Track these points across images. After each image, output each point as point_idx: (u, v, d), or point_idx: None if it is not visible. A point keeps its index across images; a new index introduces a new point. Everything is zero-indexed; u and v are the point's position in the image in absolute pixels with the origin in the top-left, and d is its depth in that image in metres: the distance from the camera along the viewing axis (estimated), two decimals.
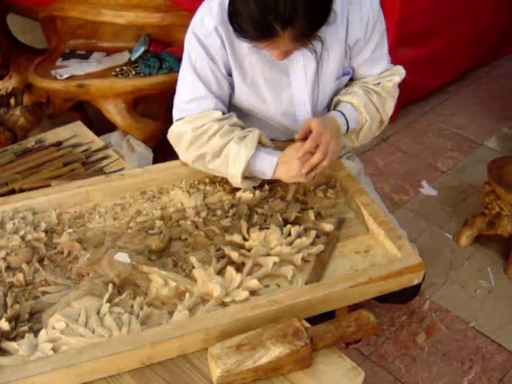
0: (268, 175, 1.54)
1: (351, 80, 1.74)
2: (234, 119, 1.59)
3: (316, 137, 1.46)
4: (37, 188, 1.64)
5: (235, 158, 1.51)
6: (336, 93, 1.71)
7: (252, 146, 1.51)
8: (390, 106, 1.70)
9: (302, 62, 1.58)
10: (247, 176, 1.56)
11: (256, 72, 1.59)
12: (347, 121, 1.60)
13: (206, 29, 1.52)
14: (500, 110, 3.74)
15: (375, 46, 1.64)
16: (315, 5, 1.31)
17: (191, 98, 1.58)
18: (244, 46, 1.53)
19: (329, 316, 1.32)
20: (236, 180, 1.55)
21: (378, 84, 1.68)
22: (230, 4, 1.36)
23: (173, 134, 1.62)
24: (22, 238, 1.46)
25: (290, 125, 1.71)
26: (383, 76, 1.69)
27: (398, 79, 1.69)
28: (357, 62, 1.67)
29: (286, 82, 1.61)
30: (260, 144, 1.55)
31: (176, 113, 1.62)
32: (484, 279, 2.53)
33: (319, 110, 1.70)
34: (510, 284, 2.50)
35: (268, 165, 1.53)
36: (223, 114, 1.58)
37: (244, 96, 1.64)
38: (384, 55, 1.69)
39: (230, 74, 1.60)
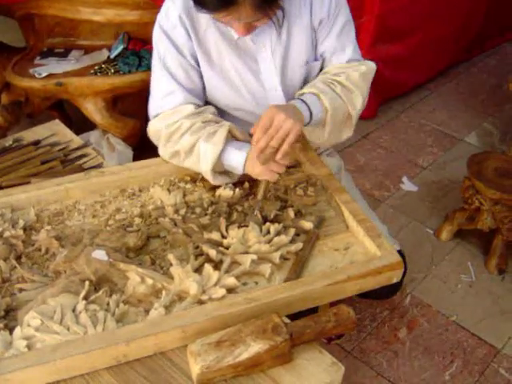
0: (239, 171, 1.52)
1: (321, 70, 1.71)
2: (209, 115, 1.57)
3: (264, 123, 1.39)
4: (16, 185, 1.63)
5: (204, 156, 1.50)
6: (308, 78, 1.69)
7: (220, 142, 1.48)
8: (358, 100, 1.60)
9: (269, 48, 1.58)
10: (223, 172, 1.55)
11: (224, 60, 1.59)
12: (308, 106, 1.50)
13: (171, 21, 1.53)
14: (480, 105, 3.77)
15: (340, 30, 1.61)
16: None
17: (163, 94, 1.58)
18: (210, 35, 1.54)
19: (310, 312, 1.32)
20: (208, 177, 1.54)
21: (341, 73, 1.60)
22: None
23: (151, 132, 1.63)
24: (0, 235, 1.44)
25: (263, 112, 1.70)
26: (350, 66, 1.62)
27: (364, 69, 1.61)
28: (324, 47, 1.64)
29: (256, 69, 1.61)
30: (234, 138, 1.54)
31: (151, 110, 1.63)
32: (465, 274, 2.54)
33: (291, 97, 1.66)
34: (491, 278, 2.52)
35: (237, 160, 1.51)
36: (197, 107, 1.57)
37: (215, 86, 1.63)
38: (350, 43, 1.65)
39: (199, 65, 1.59)
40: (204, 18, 1.52)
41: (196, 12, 1.49)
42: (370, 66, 1.65)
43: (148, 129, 1.63)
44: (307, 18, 1.57)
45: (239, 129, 1.55)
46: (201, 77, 1.61)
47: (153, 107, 1.62)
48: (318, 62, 1.67)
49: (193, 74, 1.58)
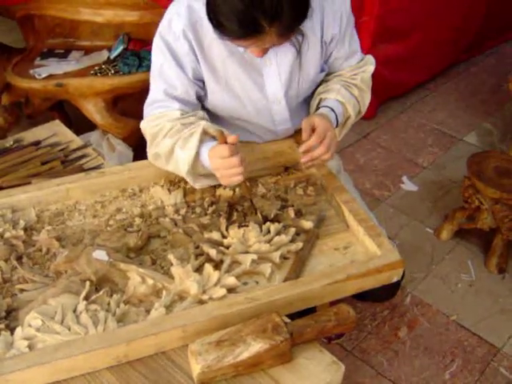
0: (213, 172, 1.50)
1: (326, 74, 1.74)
2: (191, 117, 1.55)
3: (321, 132, 1.50)
4: (16, 186, 1.63)
5: (181, 160, 1.49)
6: (312, 88, 1.71)
7: (193, 146, 1.46)
8: (367, 98, 1.74)
9: (274, 62, 1.57)
10: (208, 174, 1.53)
11: (229, 73, 1.58)
12: (337, 116, 1.63)
13: (174, 33, 1.51)
14: (479, 105, 3.77)
15: (350, 39, 1.66)
16: None
17: (157, 99, 1.58)
18: (215, 48, 1.53)
19: (310, 311, 1.32)
20: (189, 181, 1.53)
21: (355, 76, 1.71)
22: (209, 2, 1.33)
23: (142, 132, 1.63)
24: (1, 235, 1.45)
25: (265, 123, 1.71)
26: (359, 67, 1.72)
27: (371, 68, 1.73)
28: (336, 57, 1.68)
29: (260, 82, 1.61)
30: (211, 137, 1.51)
31: (144, 111, 1.62)
32: (465, 273, 2.55)
33: (294, 107, 1.70)
34: (491, 277, 2.52)
35: (207, 162, 1.48)
36: (184, 113, 1.55)
37: (219, 99, 1.63)
38: (358, 47, 1.72)
39: (199, 79, 1.59)
40: (209, 32, 1.48)
41: (201, 26, 1.50)
42: (373, 62, 1.75)
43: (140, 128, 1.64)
44: (319, 34, 1.58)
45: (214, 127, 1.51)
46: (197, 90, 1.60)
47: (145, 110, 1.62)
48: (323, 72, 1.71)
49: (189, 87, 1.57)
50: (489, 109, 3.73)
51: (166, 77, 1.56)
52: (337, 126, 1.65)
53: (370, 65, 1.73)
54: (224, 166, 1.41)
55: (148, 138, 1.59)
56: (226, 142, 1.41)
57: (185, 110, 1.56)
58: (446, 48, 3.86)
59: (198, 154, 1.47)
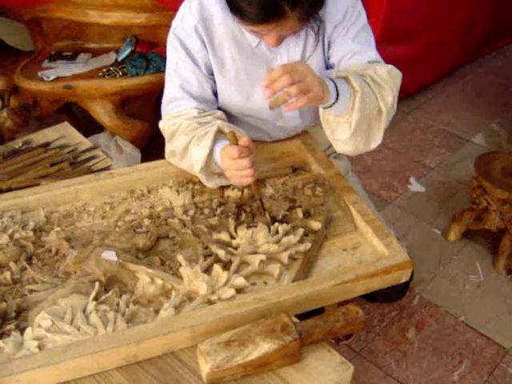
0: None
1: None
2: (208, 116, 1.55)
3: (287, 67, 1.28)
4: (25, 187, 1.64)
5: (195, 158, 1.50)
6: None
7: (207, 145, 1.46)
8: (388, 96, 1.47)
9: (285, 56, 1.57)
10: (221, 174, 1.53)
11: (239, 68, 1.58)
12: (336, 86, 1.39)
13: (186, 29, 1.53)
14: (486, 106, 3.76)
15: (357, 34, 1.55)
16: None
17: (174, 97, 1.59)
18: (225, 45, 1.54)
19: (318, 311, 1.32)
20: (202, 180, 1.54)
21: (369, 68, 1.49)
22: None
23: (161, 131, 1.64)
24: (10, 236, 1.45)
25: (275, 120, 1.70)
26: (372, 64, 1.52)
27: (390, 67, 1.50)
28: (341, 53, 1.57)
29: None
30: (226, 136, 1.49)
31: (162, 111, 1.64)
32: (473, 274, 2.55)
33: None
34: (499, 278, 2.52)
35: (219, 161, 1.49)
36: (201, 112, 1.57)
37: (228, 94, 1.63)
38: (370, 47, 1.58)
39: (212, 74, 1.60)
40: (220, 29, 1.52)
41: (211, 23, 1.52)
42: (397, 70, 1.53)
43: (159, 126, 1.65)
44: (322, 25, 1.54)
45: (230, 126, 1.51)
46: (213, 85, 1.61)
47: (163, 109, 1.64)
48: (330, 70, 1.60)
49: (205, 83, 1.58)
50: (495, 109, 3.72)
51: (181, 73, 1.57)
52: (337, 98, 1.39)
53: (390, 66, 1.52)
54: (234, 167, 1.42)
55: (166, 136, 1.61)
56: (237, 143, 1.41)
57: (201, 108, 1.58)
58: (453, 49, 3.86)
59: (211, 153, 1.48)
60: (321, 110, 1.50)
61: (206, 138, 1.48)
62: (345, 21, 1.54)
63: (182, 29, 1.54)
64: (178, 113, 1.58)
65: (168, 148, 1.61)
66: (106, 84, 2.68)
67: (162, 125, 1.62)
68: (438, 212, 2.88)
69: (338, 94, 1.38)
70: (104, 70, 2.77)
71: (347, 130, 1.47)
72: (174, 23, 1.56)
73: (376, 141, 1.54)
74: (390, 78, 1.48)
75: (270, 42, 1.45)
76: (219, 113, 1.60)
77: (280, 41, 1.47)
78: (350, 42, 1.55)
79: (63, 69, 2.80)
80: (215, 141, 1.48)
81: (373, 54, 1.56)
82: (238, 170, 1.42)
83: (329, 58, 1.62)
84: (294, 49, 1.57)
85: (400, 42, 3.37)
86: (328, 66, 1.63)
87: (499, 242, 2.55)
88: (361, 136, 1.50)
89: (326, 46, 1.59)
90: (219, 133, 1.50)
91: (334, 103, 1.39)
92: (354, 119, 1.43)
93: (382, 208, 2.86)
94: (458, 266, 2.58)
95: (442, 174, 3.15)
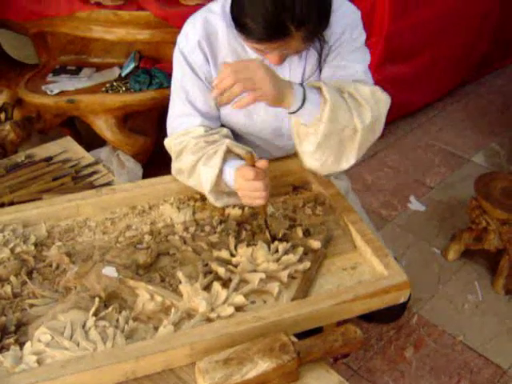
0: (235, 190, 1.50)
1: None
2: (215, 135, 1.57)
3: (236, 65, 1.30)
4: (27, 201, 1.65)
5: (204, 178, 1.50)
6: None
7: (216, 164, 1.46)
8: (366, 115, 1.42)
9: (287, 77, 1.58)
10: (230, 193, 1.54)
11: None
12: (304, 91, 1.37)
13: (190, 45, 1.54)
14: (487, 126, 3.77)
15: (349, 56, 1.54)
16: (325, 5, 1.34)
17: (179, 115, 1.61)
18: (228, 60, 1.54)
19: (317, 330, 1.32)
20: (210, 199, 1.54)
21: (349, 86, 1.46)
22: (234, 3, 1.35)
23: (167, 148, 1.65)
24: (12, 250, 1.46)
25: (274, 139, 1.72)
26: (355, 80, 1.49)
27: (375, 88, 1.48)
28: (330, 69, 1.55)
29: None
30: (236, 155, 1.51)
31: (167, 128, 1.66)
32: (471, 294, 2.54)
33: None
34: (497, 298, 2.52)
35: (231, 179, 1.48)
36: (209, 130, 1.58)
37: (228, 111, 1.63)
38: (359, 65, 1.54)
39: None
40: (224, 45, 1.54)
41: (216, 39, 1.53)
42: (383, 94, 1.49)
43: (164, 144, 1.66)
44: (317, 45, 1.53)
45: (239, 146, 1.51)
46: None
47: (169, 126, 1.65)
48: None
49: (208, 98, 1.59)
50: (496, 129, 3.73)
51: (186, 88, 1.59)
52: (303, 103, 1.37)
53: (373, 87, 1.48)
54: (248, 188, 1.42)
55: (173, 155, 1.62)
56: (253, 165, 1.41)
57: (207, 125, 1.59)
58: (455, 68, 3.88)
59: (221, 172, 1.48)
60: (291, 120, 1.47)
61: (216, 157, 1.48)
62: (341, 39, 1.53)
63: (186, 44, 1.55)
64: (184, 131, 1.59)
65: (175, 166, 1.62)
66: (108, 99, 2.70)
67: (168, 143, 1.63)
68: (438, 231, 2.88)
69: (304, 100, 1.36)
70: (107, 84, 2.79)
71: (313, 142, 1.43)
72: (179, 39, 1.58)
73: (349, 161, 1.49)
74: (372, 98, 1.45)
75: (273, 61, 1.46)
76: (225, 130, 1.61)
77: (282, 60, 1.47)
78: (340, 58, 1.54)
79: (67, 83, 2.82)
80: (225, 160, 1.48)
81: (361, 71, 1.54)
82: (251, 191, 1.43)
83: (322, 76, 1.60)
84: (295, 69, 1.58)
85: (402, 62, 3.38)
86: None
87: (498, 262, 2.55)
88: (329, 152, 1.45)
89: (322, 65, 1.59)
90: (228, 152, 1.50)
91: (299, 108, 1.38)
92: (321, 131, 1.39)
93: (382, 226, 2.87)
94: (457, 285, 2.58)
95: (441, 193, 3.16)
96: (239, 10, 1.34)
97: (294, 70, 1.58)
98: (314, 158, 1.47)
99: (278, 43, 1.35)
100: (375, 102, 1.45)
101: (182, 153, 1.57)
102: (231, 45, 1.54)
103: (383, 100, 1.48)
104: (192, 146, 1.54)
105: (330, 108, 1.36)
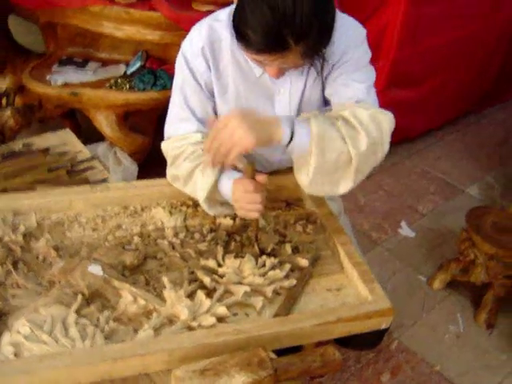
0: (231, 201, 1.49)
1: None
2: None
3: (217, 127, 1.33)
4: (21, 190, 1.64)
5: (199, 186, 1.51)
6: None
7: (213, 173, 1.47)
8: (361, 141, 1.38)
9: (287, 91, 1.58)
10: (223, 203, 1.54)
11: (240, 96, 1.60)
12: (293, 125, 1.35)
13: (194, 50, 1.54)
14: (485, 158, 3.79)
15: (352, 75, 1.51)
16: (325, 20, 1.32)
17: (177, 119, 1.61)
18: (230, 71, 1.55)
19: (296, 348, 1.32)
20: (204, 207, 1.53)
21: (346, 109, 1.43)
22: (237, 12, 1.34)
23: (163, 152, 1.65)
24: (0, 238, 1.46)
25: (270, 154, 1.72)
26: (358, 105, 1.46)
27: (375, 111, 1.44)
28: (333, 92, 1.55)
29: (270, 111, 1.61)
30: (232, 166, 1.50)
31: (165, 132, 1.66)
32: (453, 324, 2.55)
33: None
34: (479, 332, 2.52)
35: (227, 191, 1.49)
36: (205, 136, 1.57)
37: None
38: (363, 89, 1.51)
39: (213, 95, 1.61)
40: (227, 54, 1.54)
41: (219, 47, 1.53)
42: (385, 115, 1.47)
43: (161, 148, 1.66)
44: (317, 62, 1.51)
45: (238, 157, 1.48)
46: (214, 107, 1.63)
47: (166, 130, 1.65)
48: (328, 106, 1.62)
49: (207, 105, 1.60)
50: (493, 163, 3.75)
51: (185, 94, 1.59)
52: (291, 139, 1.35)
53: (371, 109, 1.44)
54: (245, 200, 1.43)
55: (169, 159, 1.62)
56: (253, 177, 1.42)
57: (204, 131, 1.59)
58: (458, 98, 3.90)
59: (217, 182, 1.49)
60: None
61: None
62: (343, 59, 1.51)
63: (190, 49, 1.56)
64: (181, 136, 1.59)
65: (170, 171, 1.62)
66: (112, 95, 2.71)
67: (164, 146, 1.64)
68: (426, 259, 2.88)
69: (292, 135, 1.34)
70: (112, 80, 2.79)
71: (307, 173, 1.40)
72: (183, 44, 1.58)
73: (346, 186, 1.44)
74: (370, 121, 1.41)
75: (271, 73, 1.46)
76: None
77: (281, 73, 1.47)
78: (343, 77, 1.52)
79: (72, 75, 2.82)
80: (221, 171, 1.49)
81: (363, 91, 1.51)
82: (248, 203, 1.43)
83: (325, 94, 1.61)
84: (296, 83, 1.58)
85: (406, 87, 3.40)
86: (327, 103, 1.63)
87: (482, 296, 2.56)
88: (323, 180, 1.42)
89: (324, 83, 1.59)
90: None
91: (288, 143, 1.36)
92: (312, 163, 1.37)
93: (371, 249, 2.87)
94: (440, 315, 2.59)
95: (433, 222, 3.17)
96: (240, 20, 1.33)
97: (294, 83, 1.58)
98: (310, 187, 1.44)
99: (276, 56, 1.34)
100: (375, 126, 1.42)
101: (178, 158, 1.57)
102: (234, 54, 1.54)
103: (386, 121, 1.46)
104: (189, 153, 1.55)
105: (318, 140, 1.34)
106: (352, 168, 1.40)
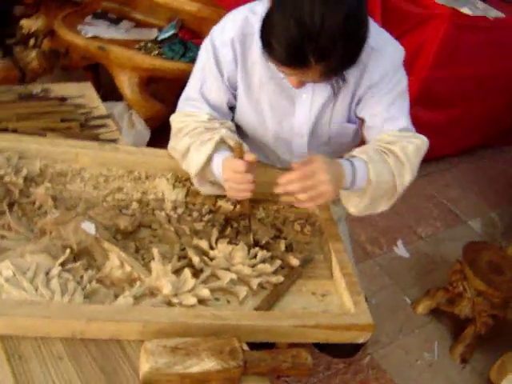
0: (221, 181, 1.50)
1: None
2: (216, 123, 1.56)
3: (305, 171, 1.35)
4: (30, 134, 1.64)
5: (192, 161, 1.52)
6: (338, 137, 1.66)
7: (206, 151, 1.47)
8: (406, 175, 1.48)
9: (310, 96, 1.56)
10: (214, 182, 1.54)
11: (263, 93, 1.58)
12: (354, 171, 1.43)
13: (223, 39, 1.52)
14: (493, 194, 3.77)
15: (393, 99, 1.54)
16: (352, 44, 1.29)
17: (190, 97, 1.61)
18: (257, 67, 1.53)
19: (270, 344, 1.32)
20: (194, 183, 1.56)
21: (397, 143, 1.50)
22: (266, 18, 1.31)
23: (171, 123, 1.65)
24: (1, 177, 1.45)
25: (282, 154, 1.71)
26: (403, 136, 1.52)
27: (418, 142, 1.52)
28: (372, 114, 1.56)
29: (291, 111, 1.60)
30: (228, 146, 1.52)
31: (178, 104, 1.66)
32: (428, 352, 2.55)
33: (314, 147, 1.66)
34: (452, 364, 2.52)
35: (217, 170, 1.49)
36: (212, 118, 1.57)
37: (245, 113, 1.63)
38: (403, 114, 1.56)
39: (234, 89, 1.60)
40: (256, 48, 1.49)
41: (251, 41, 1.51)
42: (424, 141, 1.55)
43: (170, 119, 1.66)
44: (357, 77, 1.52)
45: (235, 138, 1.52)
46: (230, 99, 1.61)
47: (179, 104, 1.65)
48: (352, 124, 1.63)
49: (223, 94, 1.59)
50: (500, 200, 3.74)
51: (204, 77, 1.58)
52: (353, 184, 1.44)
53: (419, 140, 1.53)
54: (235, 180, 1.43)
55: (172, 130, 1.62)
56: (241, 157, 1.42)
57: (213, 115, 1.58)
58: (479, 129, 3.89)
59: (209, 160, 1.49)
60: None
61: (207, 144, 1.49)
62: (382, 84, 1.52)
63: (220, 37, 1.53)
64: (190, 112, 1.59)
65: (171, 143, 1.62)
66: (139, 58, 2.69)
67: (172, 118, 1.64)
68: (414, 282, 2.88)
69: (354, 181, 1.43)
70: (142, 43, 2.78)
71: (356, 206, 1.54)
72: (215, 29, 1.56)
73: (384, 208, 1.58)
74: (415, 154, 1.50)
75: (292, 83, 1.46)
76: (230, 123, 1.60)
77: (302, 84, 1.46)
78: (384, 106, 1.54)
79: (103, 29, 2.81)
80: (215, 149, 1.49)
81: (405, 122, 1.56)
82: (238, 184, 1.44)
83: (356, 113, 1.61)
84: (319, 93, 1.56)
85: (431, 108, 3.38)
86: (351, 119, 1.63)
87: (463, 330, 2.55)
88: (369, 210, 1.56)
89: (355, 101, 1.58)
90: (221, 142, 1.51)
91: (347, 188, 1.45)
92: (364, 202, 1.51)
93: (363, 261, 2.87)
94: (417, 339, 2.58)
95: (429, 247, 3.16)
96: (267, 28, 1.31)
97: (317, 93, 1.56)
98: (355, 212, 1.57)
99: (295, 70, 1.33)
100: (418, 158, 1.53)
101: (180, 131, 1.57)
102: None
103: (424, 150, 1.55)
104: (191, 128, 1.54)
105: (374, 186, 1.44)
106: (394, 198, 1.54)
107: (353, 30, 1.27)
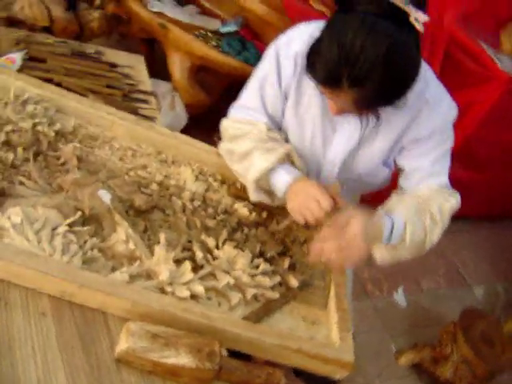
0: (279, 194, 1.52)
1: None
2: (277, 135, 1.57)
3: (340, 224, 1.38)
4: (73, 91, 1.65)
5: (253, 166, 1.51)
6: (368, 177, 1.67)
7: (272, 160, 1.49)
8: (437, 234, 1.53)
9: (347, 131, 1.56)
10: (267, 191, 1.55)
11: (309, 113, 1.58)
12: (392, 229, 1.45)
13: (288, 52, 1.52)
14: (503, 265, 3.72)
15: (436, 158, 1.56)
16: (390, 78, 1.28)
17: (248, 106, 1.60)
18: (310, 86, 1.53)
19: (247, 354, 1.32)
20: (249, 189, 1.55)
21: (434, 200, 1.53)
22: (316, 41, 1.34)
23: (222, 128, 1.64)
24: (34, 125, 1.47)
25: (310, 176, 1.69)
26: (442, 192, 1.57)
27: (454, 203, 1.55)
28: (411, 165, 1.60)
29: (330, 138, 1.60)
30: (291, 162, 1.54)
31: (231, 109, 1.65)
32: None
33: (343, 180, 1.65)
34: None
35: (282, 182, 1.50)
36: (270, 129, 1.58)
37: (287, 127, 1.63)
38: (445, 172, 1.60)
39: (286, 100, 1.60)
40: None
41: None
42: (458, 201, 1.58)
43: (221, 123, 1.65)
44: (402, 124, 1.52)
45: (299, 158, 1.55)
46: (282, 110, 1.61)
47: (234, 109, 1.64)
48: (386, 168, 1.64)
49: (279, 105, 1.59)
50: (509, 274, 3.69)
51: (263, 85, 1.58)
52: (389, 240, 1.46)
53: (454, 199, 1.56)
54: (308, 207, 1.45)
55: (226, 136, 1.61)
56: (333, 197, 1.46)
57: (269, 125, 1.58)
58: (506, 198, 3.85)
59: (272, 170, 1.50)
60: None
61: (273, 153, 1.50)
62: (429, 140, 1.54)
63: (285, 48, 1.54)
64: (248, 120, 1.58)
65: (226, 146, 1.61)
66: (196, 44, 2.71)
67: (226, 124, 1.62)
68: (404, 332, 2.86)
69: (390, 237, 1.45)
70: (202, 31, 2.80)
71: (382, 255, 1.52)
72: (281, 38, 1.56)
73: (406, 258, 1.58)
74: (449, 214, 1.54)
75: (331, 109, 1.45)
76: (279, 136, 1.59)
77: (339, 112, 1.45)
78: (428, 162, 1.57)
79: (169, 8, 2.84)
80: (280, 161, 1.50)
81: (446, 178, 1.60)
82: (307, 210, 1.46)
83: (395, 160, 1.63)
84: (354, 127, 1.55)
85: (465, 167, 3.36)
86: (387, 163, 1.64)
87: None
88: (394, 261, 1.56)
89: (398, 148, 1.59)
90: (287, 156, 1.52)
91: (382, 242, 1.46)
92: (394, 257, 1.52)
93: (360, 299, 2.85)
94: None
95: (428, 301, 3.13)
96: (315, 48, 1.34)
97: (353, 127, 1.55)
98: (379, 260, 1.55)
99: (327, 90, 1.35)
100: (448, 218, 1.56)
101: (238, 137, 1.57)
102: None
103: (457, 208, 1.58)
104: (254, 134, 1.54)
105: (407, 245, 1.48)
106: (421, 252, 1.58)
107: (393, 64, 1.27)
